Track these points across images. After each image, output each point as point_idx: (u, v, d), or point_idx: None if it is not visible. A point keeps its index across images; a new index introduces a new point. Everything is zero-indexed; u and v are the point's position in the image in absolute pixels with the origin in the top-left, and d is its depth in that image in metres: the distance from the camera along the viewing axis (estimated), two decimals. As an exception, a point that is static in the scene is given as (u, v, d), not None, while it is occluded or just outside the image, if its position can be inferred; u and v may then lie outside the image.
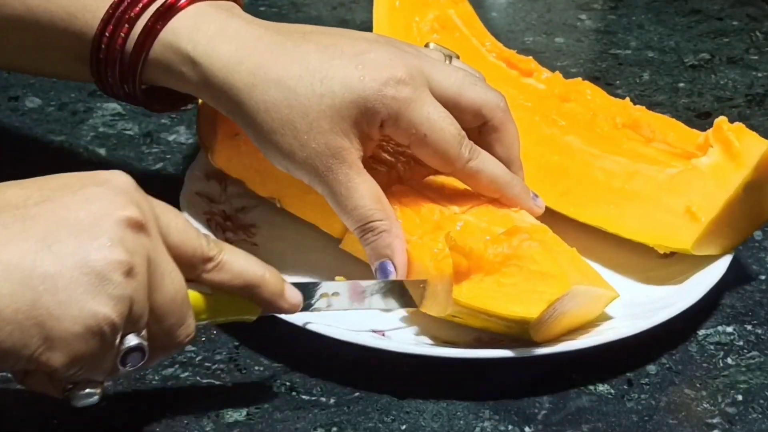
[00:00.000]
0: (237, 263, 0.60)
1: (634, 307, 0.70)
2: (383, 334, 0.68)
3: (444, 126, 0.69)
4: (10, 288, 0.51)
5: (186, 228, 0.58)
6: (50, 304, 0.51)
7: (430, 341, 0.68)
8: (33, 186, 0.54)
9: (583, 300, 0.66)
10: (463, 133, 0.70)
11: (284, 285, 0.62)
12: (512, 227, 0.68)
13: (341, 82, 0.68)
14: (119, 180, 0.55)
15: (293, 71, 0.68)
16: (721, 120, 0.74)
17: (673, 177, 0.74)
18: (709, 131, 0.75)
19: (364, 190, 0.69)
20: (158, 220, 0.56)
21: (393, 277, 0.68)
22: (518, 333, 0.65)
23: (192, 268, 0.59)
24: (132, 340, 0.55)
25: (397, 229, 0.69)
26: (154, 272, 0.55)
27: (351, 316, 0.69)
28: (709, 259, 0.72)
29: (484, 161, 0.71)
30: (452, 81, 0.71)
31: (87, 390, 0.56)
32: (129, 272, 0.53)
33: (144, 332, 0.55)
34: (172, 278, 0.56)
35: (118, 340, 0.54)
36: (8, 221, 0.52)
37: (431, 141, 0.69)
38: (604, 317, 0.69)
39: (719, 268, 0.71)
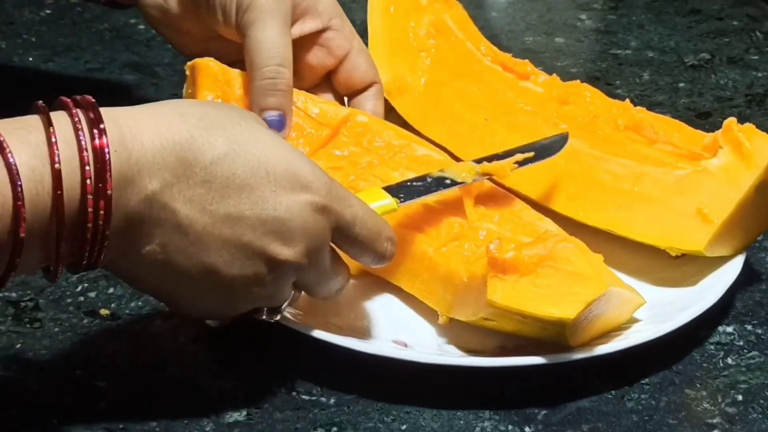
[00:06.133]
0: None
1: (651, 309, 0.69)
2: (405, 345, 0.68)
3: None
4: None
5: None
6: None
7: (454, 350, 0.68)
8: (264, 179, 0.59)
9: (616, 302, 0.65)
10: None
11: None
12: (546, 231, 0.68)
13: None
14: (320, 201, 0.61)
15: None
16: (731, 121, 0.74)
17: (682, 179, 0.74)
18: (718, 132, 0.75)
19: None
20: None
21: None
22: (553, 336, 0.64)
23: None
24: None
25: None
26: None
27: (372, 324, 0.69)
28: (720, 260, 0.72)
29: None
30: None
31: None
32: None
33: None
34: None
35: None
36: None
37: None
38: (631, 320, 0.69)
39: (733, 268, 0.72)
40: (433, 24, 0.91)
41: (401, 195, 0.70)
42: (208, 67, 0.76)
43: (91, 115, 0.56)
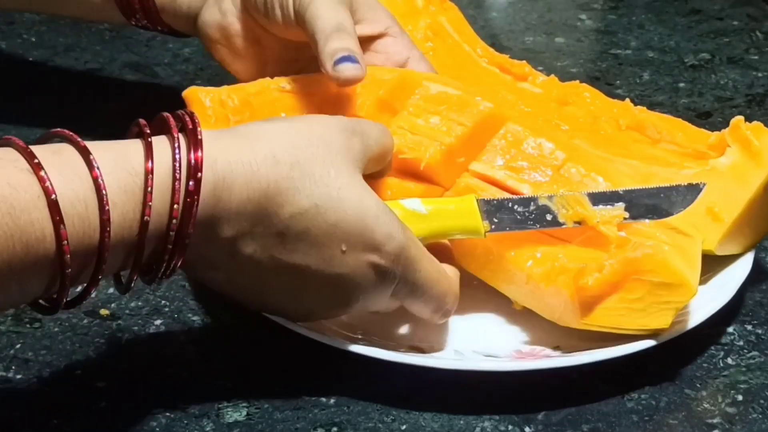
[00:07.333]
0: None
1: None
2: (422, 351, 0.67)
3: None
4: None
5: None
6: None
7: (472, 354, 0.68)
8: (337, 239, 0.60)
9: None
10: None
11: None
12: (625, 240, 0.67)
13: None
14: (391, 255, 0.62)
15: None
16: (739, 119, 0.74)
17: (691, 178, 0.74)
18: (725, 131, 0.75)
19: None
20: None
21: None
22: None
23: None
24: None
25: None
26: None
27: (384, 327, 0.69)
28: (728, 258, 0.72)
29: None
30: None
31: None
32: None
33: None
34: None
35: None
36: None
37: None
38: None
39: (744, 265, 0.72)
40: (430, 27, 0.90)
41: (495, 220, 0.67)
42: (196, 97, 0.75)
43: (192, 160, 0.56)
